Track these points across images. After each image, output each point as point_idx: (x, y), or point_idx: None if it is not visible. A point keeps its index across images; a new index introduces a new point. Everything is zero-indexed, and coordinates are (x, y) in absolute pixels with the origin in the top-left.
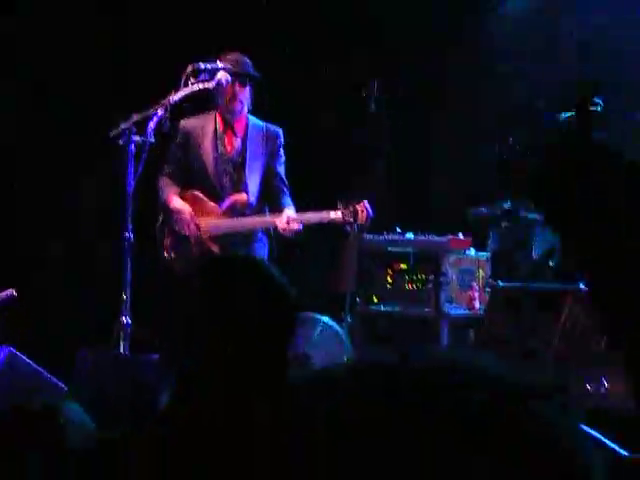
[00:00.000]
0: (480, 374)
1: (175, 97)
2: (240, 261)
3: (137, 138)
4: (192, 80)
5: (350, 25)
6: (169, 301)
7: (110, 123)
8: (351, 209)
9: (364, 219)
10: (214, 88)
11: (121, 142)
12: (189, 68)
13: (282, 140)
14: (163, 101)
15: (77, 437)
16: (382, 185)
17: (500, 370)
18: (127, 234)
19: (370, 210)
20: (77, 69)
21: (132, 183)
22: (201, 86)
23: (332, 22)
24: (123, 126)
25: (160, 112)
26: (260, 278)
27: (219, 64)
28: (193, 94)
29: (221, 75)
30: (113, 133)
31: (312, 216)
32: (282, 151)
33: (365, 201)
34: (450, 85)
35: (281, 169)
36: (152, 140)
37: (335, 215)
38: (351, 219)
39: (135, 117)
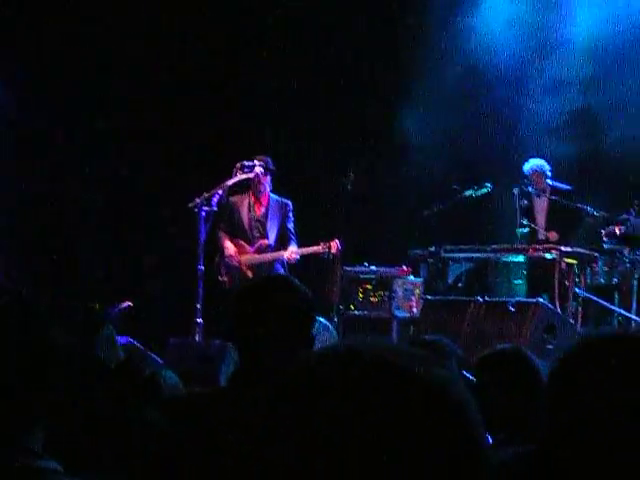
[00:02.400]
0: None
1: (229, 182)
2: (277, 279)
3: (206, 208)
4: (240, 172)
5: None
6: (221, 307)
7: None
8: (327, 244)
9: (336, 251)
10: (253, 177)
11: (196, 210)
12: (238, 165)
13: (291, 208)
14: (222, 185)
15: (172, 391)
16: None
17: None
18: (200, 267)
19: (339, 245)
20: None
21: (203, 236)
22: (245, 176)
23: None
24: (197, 200)
25: (220, 192)
26: (291, 288)
27: (256, 162)
28: (241, 180)
29: (257, 169)
30: (191, 205)
31: (305, 250)
32: (291, 214)
33: (336, 240)
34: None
35: (290, 226)
36: (215, 209)
37: (317, 248)
38: (327, 250)
39: (205, 195)
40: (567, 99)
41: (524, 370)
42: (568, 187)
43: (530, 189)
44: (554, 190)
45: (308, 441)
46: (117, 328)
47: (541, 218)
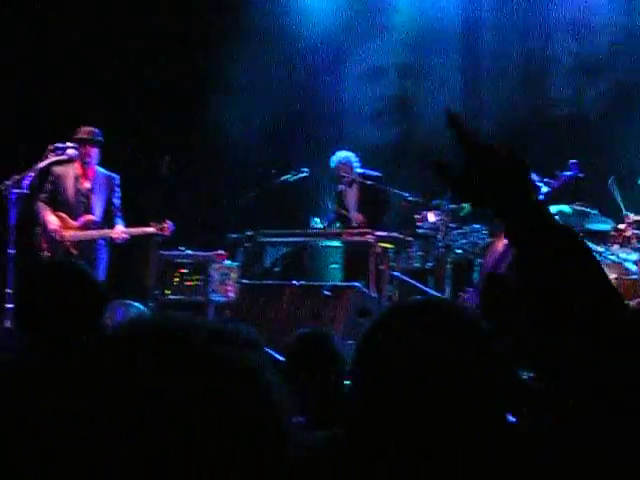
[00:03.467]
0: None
1: (41, 165)
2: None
3: (17, 191)
4: (52, 154)
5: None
6: None
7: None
8: (161, 226)
9: (167, 232)
10: (67, 158)
11: (6, 193)
12: (50, 147)
13: (117, 182)
14: (33, 167)
15: None
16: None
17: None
18: (10, 250)
19: (172, 227)
20: None
21: (14, 219)
22: (57, 158)
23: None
24: (7, 183)
25: (31, 174)
26: (77, 275)
27: (68, 144)
28: (52, 163)
29: (70, 151)
30: (0, 187)
31: (135, 230)
32: (118, 189)
33: (170, 221)
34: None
35: (116, 201)
36: (26, 192)
37: (149, 229)
38: (160, 232)
39: (15, 177)
40: (384, 86)
41: (326, 354)
42: (377, 173)
43: (340, 187)
44: (363, 177)
45: (112, 422)
46: None
47: (352, 206)
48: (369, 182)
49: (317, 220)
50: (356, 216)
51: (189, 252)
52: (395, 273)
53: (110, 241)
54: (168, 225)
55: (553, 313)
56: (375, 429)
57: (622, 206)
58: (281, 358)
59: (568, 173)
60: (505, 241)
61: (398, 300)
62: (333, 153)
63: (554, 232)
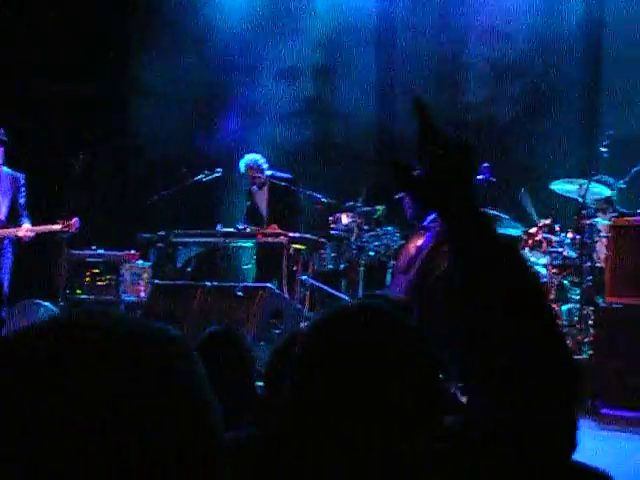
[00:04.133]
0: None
1: None
2: None
3: None
4: None
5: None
6: None
7: None
8: (67, 223)
9: (74, 229)
10: None
11: None
12: None
13: (23, 182)
14: None
15: None
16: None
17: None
18: None
19: (78, 224)
20: None
21: None
22: None
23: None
24: None
25: None
26: None
27: None
28: None
29: None
30: None
31: (41, 228)
32: (23, 189)
33: (76, 218)
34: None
35: (22, 201)
36: None
37: (55, 227)
38: (66, 229)
39: None
40: (300, 86)
41: (236, 355)
42: (288, 175)
43: (253, 188)
44: (274, 179)
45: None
46: None
47: (264, 210)
48: (282, 184)
49: (221, 226)
50: (272, 227)
51: (101, 251)
52: (304, 277)
53: (17, 240)
54: (74, 222)
55: (481, 308)
56: (312, 428)
57: (534, 217)
58: None
59: (480, 177)
60: (417, 243)
61: (316, 312)
62: (248, 153)
63: (495, 241)
